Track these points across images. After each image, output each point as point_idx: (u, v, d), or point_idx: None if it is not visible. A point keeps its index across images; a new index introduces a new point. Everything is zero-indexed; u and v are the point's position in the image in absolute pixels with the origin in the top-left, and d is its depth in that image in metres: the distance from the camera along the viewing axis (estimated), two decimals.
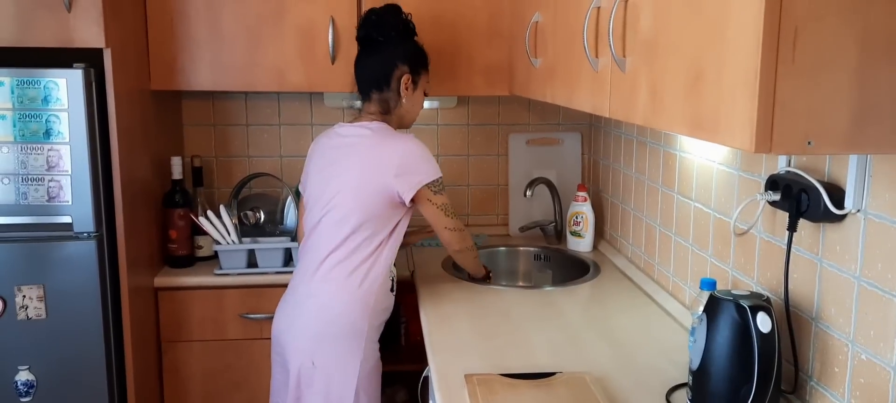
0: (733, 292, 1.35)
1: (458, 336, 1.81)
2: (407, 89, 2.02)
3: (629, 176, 2.38)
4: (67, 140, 1.99)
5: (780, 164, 1.43)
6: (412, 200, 1.93)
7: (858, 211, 1.23)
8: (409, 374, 2.34)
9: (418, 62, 2.05)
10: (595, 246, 2.62)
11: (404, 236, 1.99)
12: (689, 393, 1.39)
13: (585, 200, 2.60)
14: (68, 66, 1.98)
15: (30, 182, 2.01)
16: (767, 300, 1.32)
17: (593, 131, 2.82)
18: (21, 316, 2.05)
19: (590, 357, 1.68)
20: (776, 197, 1.41)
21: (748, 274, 1.59)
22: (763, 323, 1.28)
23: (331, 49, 2.36)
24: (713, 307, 1.33)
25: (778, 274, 1.46)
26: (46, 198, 2.02)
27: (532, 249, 2.68)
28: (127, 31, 2.15)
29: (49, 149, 2.00)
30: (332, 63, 2.38)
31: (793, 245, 1.40)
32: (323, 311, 1.92)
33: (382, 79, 2.01)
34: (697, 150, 1.84)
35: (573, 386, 1.49)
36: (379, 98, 2.03)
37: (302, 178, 2.14)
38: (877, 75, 0.88)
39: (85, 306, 2.07)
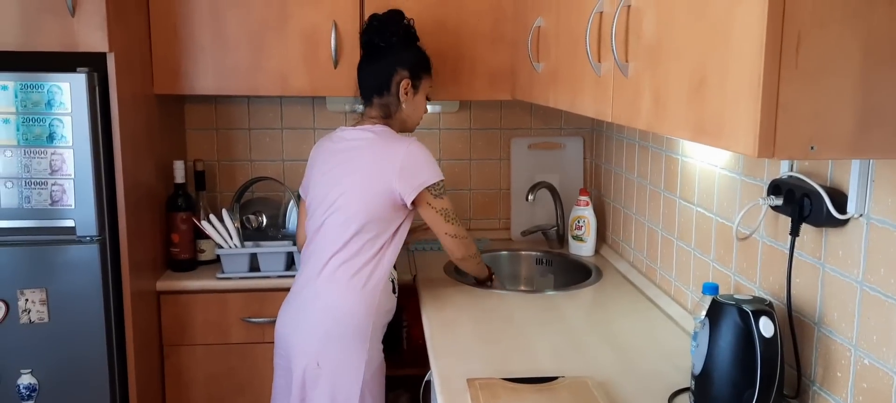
0: (736, 296, 1.35)
1: (460, 341, 1.81)
2: (407, 94, 2.03)
3: (631, 180, 2.38)
4: (71, 144, 2.00)
5: (783, 169, 1.43)
6: (413, 203, 1.94)
7: (861, 215, 1.23)
8: (411, 379, 2.33)
9: (419, 67, 2.06)
10: (597, 251, 2.62)
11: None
12: (692, 398, 1.39)
13: (587, 204, 2.60)
14: (72, 70, 1.99)
15: (33, 186, 2.01)
16: (770, 304, 1.32)
17: (595, 135, 2.83)
18: (24, 319, 2.05)
19: (592, 361, 1.68)
20: (779, 201, 1.41)
21: (751, 279, 1.59)
22: (766, 327, 1.28)
23: (333, 53, 2.37)
24: (716, 311, 1.33)
25: (780, 279, 1.46)
26: (49, 201, 2.02)
27: (534, 253, 2.68)
28: (130, 36, 2.16)
29: (52, 153, 2.00)
30: (335, 67, 2.39)
31: (795, 249, 1.40)
32: (329, 311, 1.92)
33: (383, 83, 2.02)
34: (700, 155, 1.84)
35: (576, 391, 1.49)
36: (380, 102, 2.04)
37: (303, 182, 2.15)
38: (880, 80, 0.88)
39: (87, 310, 2.07)
